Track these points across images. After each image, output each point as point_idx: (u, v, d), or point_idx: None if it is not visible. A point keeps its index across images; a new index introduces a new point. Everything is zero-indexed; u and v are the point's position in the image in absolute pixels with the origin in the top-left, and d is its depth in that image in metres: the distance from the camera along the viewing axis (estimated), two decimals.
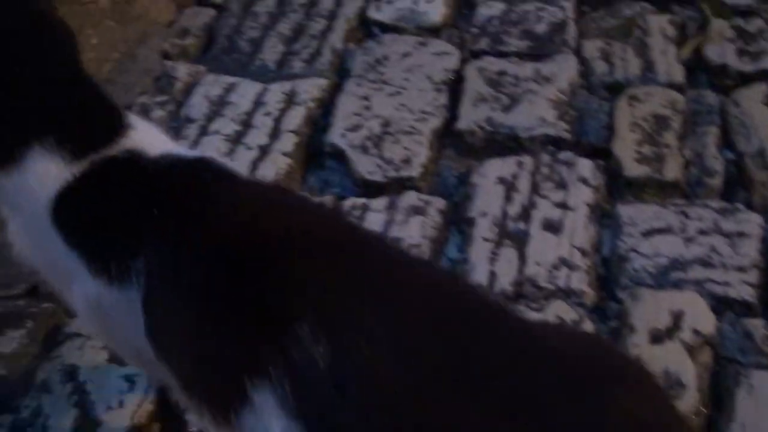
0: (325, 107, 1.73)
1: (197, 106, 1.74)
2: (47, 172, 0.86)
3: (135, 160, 0.86)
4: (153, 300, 0.80)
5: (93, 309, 0.87)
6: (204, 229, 0.80)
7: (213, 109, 1.73)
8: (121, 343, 0.92)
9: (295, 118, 1.70)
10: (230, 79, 1.80)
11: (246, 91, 1.76)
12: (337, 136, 1.65)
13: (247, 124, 1.70)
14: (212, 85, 1.79)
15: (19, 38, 0.88)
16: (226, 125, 1.69)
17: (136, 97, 1.78)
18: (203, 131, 1.69)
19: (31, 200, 0.87)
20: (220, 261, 0.76)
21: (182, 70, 1.83)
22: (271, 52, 1.88)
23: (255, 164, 1.60)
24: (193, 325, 0.76)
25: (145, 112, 1.74)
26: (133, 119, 0.94)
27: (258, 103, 1.74)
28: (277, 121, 1.69)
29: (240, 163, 1.60)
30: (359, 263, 0.74)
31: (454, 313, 0.70)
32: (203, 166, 0.89)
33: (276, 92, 1.76)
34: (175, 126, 1.71)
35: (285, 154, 1.63)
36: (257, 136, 1.66)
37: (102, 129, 0.89)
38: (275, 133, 1.67)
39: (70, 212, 0.86)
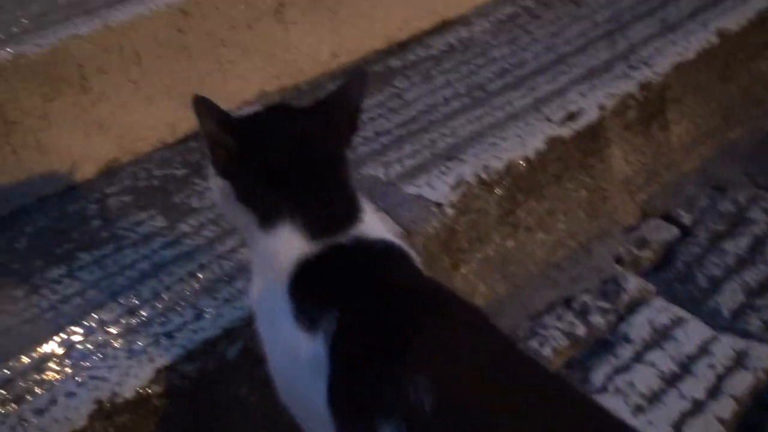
0: None
1: (638, 328, 1.67)
2: (291, 244, 1.04)
3: (354, 245, 1.05)
4: (334, 349, 0.97)
5: (287, 353, 1.04)
6: (377, 303, 0.99)
7: (654, 337, 1.65)
8: (297, 390, 1.05)
9: (740, 383, 1.55)
10: (680, 312, 1.70)
11: (694, 332, 1.65)
12: None
13: (686, 368, 1.58)
14: (660, 311, 1.70)
15: (298, 137, 1.10)
16: (663, 361, 1.59)
17: (580, 293, 1.75)
18: (637, 357, 1.61)
19: (275, 260, 1.05)
20: (381, 326, 0.96)
21: (632, 283, 1.77)
22: (730, 299, 1.75)
23: (683, 417, 1.48)
24: (354, 368, 0.96)
25: (583, 312, 1.70)
26: (367, 207, 1.11)
27: (703, 350, 1.62)
28: (720, 378, 1.55)
29: (667, 409, 1.49)
30: (492, 356, 0.94)
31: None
32: (397, 255, 1.09)
33: (725, 346, 1.62)
34: (609, 339, 1.65)
35: (720, 420, 1.48)
36: (693, 387, 1.54)
37: (340, 220, 1.07)
38: (714, 392, 1.53)
39: (299, 278, 1.04)
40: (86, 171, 1.71)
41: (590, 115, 1.78)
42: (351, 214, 1.08)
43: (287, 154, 1.08)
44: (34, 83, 1.59)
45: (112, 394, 1.21)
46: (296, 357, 1.04)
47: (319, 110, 1.12)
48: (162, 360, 1.26)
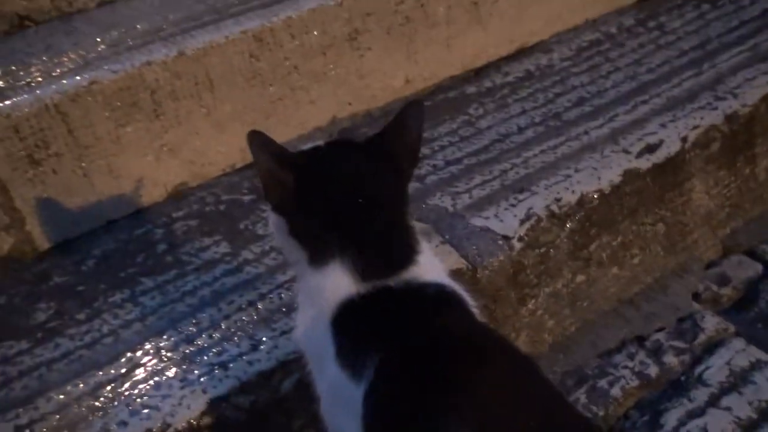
0: None
1: (715, 370, 1.58)
2: (339, 283, 1.02)
3: (403, 289, 1.01)
4: (370, 397, 0.95)
5: (332, 393, 1.03)
6: (418, 350, 0.95)
7: (731, 381, 1.56)
8: (341, 425, 1.04)
9: None
10: (760, 355, 1.61)
11: None
12: None
13: (765, 415, 1.49)
14: (739, 353, 1.62)
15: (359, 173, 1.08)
16: (741, 407, 1.51)
17: (653, 332, 1.68)
18: (713, 401, 1.52)
19: (321, 298, 1.03)
20: (419, 375, 0.93)
21: (710, 323, 1.69)
22: None
23: None
24: (388, 421, 0.93)
25: (656, 351, 1.63)
26: (425, 247, 1.07)
27: None
28: None
29: None
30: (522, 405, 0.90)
31: None
32: (448, 300, 1.04)
33: None
34: (682, 380, 1.57)
35: None
36: None
37: (391, 262, 1.03)
38: None
39: (343, 319, 1.01)
40: (155, 195, 1.73)
41: (670, 148, 1.70)
42: (405, 256, 1.05)
43: (343, 192, 1.05)
44: (108, 109, 1.61)
45: (163, 424, 1.21)
46: (339, 398, 1.01)
47: (376, 145, 1.09)
48: (215, 391, 1.25)
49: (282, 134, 1.86)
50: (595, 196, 1.60)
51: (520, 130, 1.83)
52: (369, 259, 1.03)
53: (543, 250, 1.54)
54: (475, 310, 1.06)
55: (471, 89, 2.05)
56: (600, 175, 1.62)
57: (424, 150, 1.79)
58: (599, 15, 2.32)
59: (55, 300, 1.50)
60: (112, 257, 1.59)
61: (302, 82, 1.86)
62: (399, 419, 0.92)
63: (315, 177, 1.06)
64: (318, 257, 1.05)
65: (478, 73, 2.12)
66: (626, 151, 1.68)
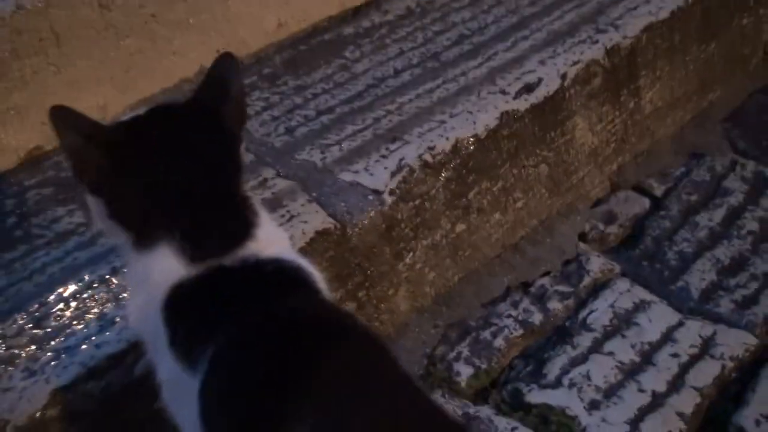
0: (743, 374, 1.45)
1: (599, 314, 1.56)
2: (166, 267, 0.93)
3: (240, 268, 0.93)
4: (206, 387, 0.86)
5: (170, 384, 0.95)
6: (252, 339, 0.87)
7: (615, 324, 1.53)
8: (183, 419, 0.95)
9: (705, 374, 1.44)
10: (644, 295, 1.59)
11: (658, 317, 1.54)
12: (749, 420, 1.36)
13: (647, 358, 1.47)
14: (623, 294, 1.59)
15: (188, 141, 0.97)
16: (624, 351, 1.48)
17: (539, 277, 1.64)
18: (595, 346, 1.50)
19: (151, 284, 0.94)
20: (253, 367, 0.85)
21: (595, 264, 1.66)
22: (699, 278, 1.63)
23: (641, 411, 1.37)
24: (230, 407, 0.85)
25: (540, 297, 1.59)
26: (264, 221, 0.98)
27: (667, 337, 1.51)
28: (684, 369, 1.45)
29: (624, 404, 1.38)
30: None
31: None
32: (290, 278, 0.96)
33: (692, 332, 1.51)
34: (566, 326, 1.54)
35: (679, 415, 1.38)
36: (654, 379, 1.43)
37: (224, 239, 0.94)
38: (676, 384, 1.42)
39: (174, 304, 0.92)
40: (5, 161, 1.60)
41: (549, 86, 1.64)
42: (239, 231, 0.95)
43: (162, 166, 0.95)
44: None
45: (2, 420, 1.11)
46: (178, 390, 0.93)
47: (196, 108, 0.99)
48: (59, 380, 1.16)
49: (145, 88, 1.74)
50: (471, 141, 1.53)
51: (397, 73, 1.75)
52: (197, 238, 0.94)
53: (417, 202, 1.47)
54: (322, 286, 0.99)
55: (348, 30, 1.94)
56: (476, 119, 1.55)
57: (296, 99, 1.70)
58: None
59: None
60: None
61: (163, 32, 1.73)
62: (232, 417, 0.84)
63: (130, 152, 0.95)
64: (142, 240, 0.95)
65: (357, 12, 2.02)
66: (503, 92, 1.61)
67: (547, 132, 1.66)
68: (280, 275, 0.95)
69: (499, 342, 1.52)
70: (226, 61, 0.99)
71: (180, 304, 0.93)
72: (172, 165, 0.95)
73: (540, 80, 1.65)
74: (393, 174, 1.45)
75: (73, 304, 1.28)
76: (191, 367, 0.90)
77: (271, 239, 0.98)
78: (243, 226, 0.96)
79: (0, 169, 1.60)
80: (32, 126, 1.62)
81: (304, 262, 0.99)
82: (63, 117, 0.93)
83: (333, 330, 0.89)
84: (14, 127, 1.60)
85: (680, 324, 1.53)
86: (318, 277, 0.99)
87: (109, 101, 1.70)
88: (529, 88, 1.62)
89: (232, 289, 0.92)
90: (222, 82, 0.99)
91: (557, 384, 1.44)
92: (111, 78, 1.69)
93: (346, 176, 1.45)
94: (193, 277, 0.93)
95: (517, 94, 1.61)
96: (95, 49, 1.64)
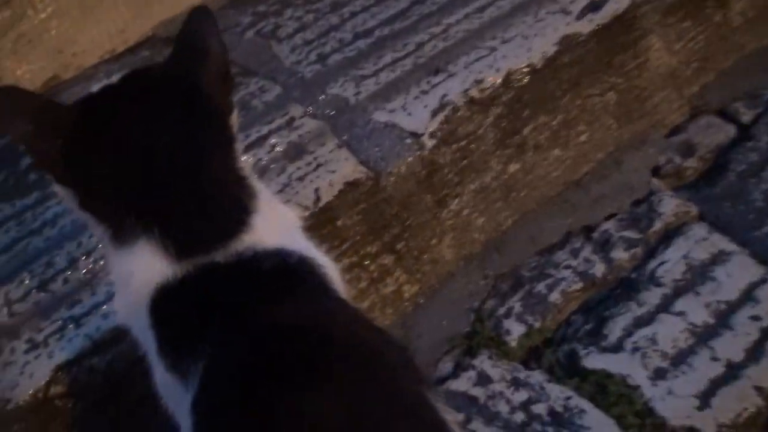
0: None
1: (670, 266, 1.38)
2: (148, 266, 0.79)
3: (234, 264, 0.79)
4: (198, 405, 0.75)
5: (163, 389, 0.84)
6: (253, 348, 0.74)
7: (688, 278, 1.36)
8: (179, 420, 0.83)
9: None
10: (723, 244, 1.41)
11: (739, 270, 1.36)
12: None
13: (723, 321, 1.31)
14: (699, 243, 1.41)
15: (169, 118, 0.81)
16: (697, 311, 1.32)
17: (603, 220, 1.46)
18: (664, 305, 1.34)
19: (134, 284, 0.81)
20: (243, 387, 0.72)
21: (668, 205, 1.47)
22: None
23: (713, 384, 1.22)
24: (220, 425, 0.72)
25: (603, 244, 1.42)
26: (264, 203, 0.82)
27: (748, 296, 1.33)
28: (765, 335, 1.27)
29: (694, 375, 1.23)
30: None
31: None
32: (292, 275, 0.81)
33: None
34: (634, 278, 1.38)
35: (757, 389, 1.22)
36: (730, 346, 1.27)
37: (214, 232, 0.80)
38: (755, 353, 1.26)
39: (161, 308, 0.80)
40: None
41: (619, 3, 1.42)
42: (232, 219, 0.81)
43: (132, 150, 0.81)
44: None
45: (2, 399, 1.03)
46: (171, 397, 0.83)
47: (171, 77, 0.84)
48: (63, 354, 1.07)
49: (167, 8, 1.59)
50: (525, 72, 1.34)
51: None
52: (180, 233, 0.80)
53: (463, 143, 1.31)
54: (334, 277, 0.84)
55: None
56: (531, 45, 1.35)
57: (332, 19, 1.52)
58: None
59: None
60: None
61: None
62: None
63: (92, 135, 0.81)
64: (119, 236, 0.82)
65: None
66: (565, 11, 1.40)
67: (616, 56, 1.45)
68: (281, 272, 0.81)
69: (555, 296, 1.37)
70: (200, 16, 0.83)
71: (167, 310, 0.80)
72: (143, 146, 0.81)
73: None
74: (434, 113, 1.28)
75: (82, 265, 1.18)
76: (182, 380, 0.78)
77: (273, 225, 0.83)
78: (236, 214, 0.82)
79: None
80: (47, 54, 1.50)
81: (312, 251, 0.85)
82: (7, 101, 0.78)
83: (337, 349, 0.75)
84: (27, 57, 1.47)
85: (764, 280, 1.35)
86: (328, 267, 0.84)
87: (129, 24, 1.55)
88: (594, 6, 1.41)
89: (225, 291, 0.79)
90: (196, 41, 0.82)
91: (618, 347, 1.29)
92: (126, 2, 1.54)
93: (381, 116, 1.29)
94: (180, 278, 0.79)
95: (581, 14, 1.40)
96: None
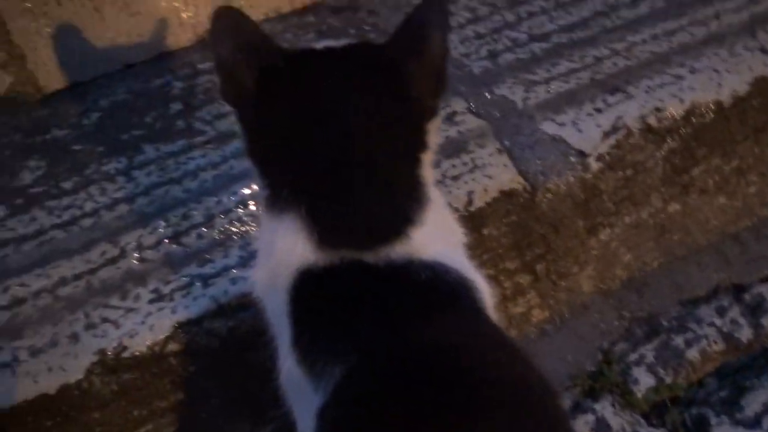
0: None
1: None
2: (295, 244, 0.75)
3: (385, 270, 0.73)
4: (327, 414, 0.70)
5: (288, 381, 0.78)
6: (397, 365, 0.69)
7: None
8: (299, 417, 0.80)
9: None
10: None
11: None
12: None
13: None
14: None
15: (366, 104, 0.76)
16: None
17: (757, 281, 1.36)
18: None
19: (278, 257, 0.77)
20: (384, 405, 0.66)
21: None
22: None
23: None
24: None
25: (754, 308, 1.31)
26: (431, 215, 0.76)
27: None
28: None
29: None
30: None
31: None
32: (447, 292, 0.74)
33: None
34: None
35: None
36: None
37: (370, 231, 0.75)
38: None
39: (302, 296, 0.76)
40: (182, 38, 1.47)
41: None
42: (392, 224, 0.75)
43: (314, 117, 0.76)
44: None
45: (119, 346, 1.01)
46: (296, 391, 0.78)
47: (382, 62, 0.78)
48: (187, 312, 1.03)
49: None
50: (711, 108, 1.24)
51: (634, 1, 1.44)
52: (327, 220, 0.75)
53: (629, 172, 1.22)
54: (487, 301, 0.78)
55: None
56: (722, 80, 1.25)
57: (507, 16, 1.45)
58: None
59: (47, 158, 1.29)
60: (119, 112, 1.36)
61: None
62: None
63: (288, 90, 0.76)
64: (273, 199, 0.77)
65: None
66: (764, 51, 1.29)
67: None
68: (434, 287, 0.75)
69: (692, 353, 1.27)
70: (431, 6, 0.77)
71: (308, 299, 0.76)
72: (329, 123, 0.76)
73: None
74: (606, 134, 1.19)
75: (218, 222, 1.14)
76: (314, 381, 0.73)
77: (435, 239, 0.77)
78: (395, 222, 0.76)
79: (174, 46, 1.47)
80: (214, 2, 1.46)
81: (471, 271, 0.78)
82: (230, 20, 0.75)
83: (490, 377, 0.68)
84: (195, 1, 1.45)
85: None
86: (484, 290, 0.78)
87: None
88: None
89: (373, 294, 0.73)
90: (419, 35, 0.76)
91: (755, 423, 1.19)
92: None
93: (549, 127, 1.21)
94: (323, 267, 0.74)
95: None
96: None
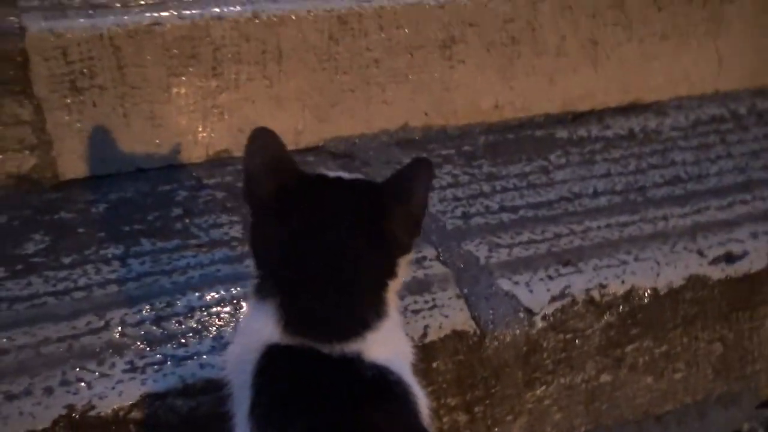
0: None
1: None
2: (265, 327, 0.88)
3: (337, 362, 0.86)
4: None
5: None
6: None
7: None
8: None
9: None
10: None
11: None
12: None
13: None
14: None
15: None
16: None
17: None
18: None
19: (250, 335, 0.90)
20: None
21: None
22: None
23: None
24: None
25: None
26: (386, 329, 0.90)
27: None
28: None
29: None
30: None
31: None
32: (388, 391, 0.86)
33: None
34: None
35: None
36: None
37: (327, 326, 0.88)
38: None
39: (264, 369, 0.87)
40: (194, 154, 1.63)
41: (754, 263, 1.49)
42: (349, 327, 0.89)
43: (308, 232, 0.92)
44: (165, 54, 1.52)
45: (88, 405, 1.10)
46: None
47: (371, 199, 0.94)
48: (155, 385, 1.14)
49: (344, 127, 1.73)
50: (648, 294, 1.40)
51: (596, 194, 1.64)
52: (298, 314, 0.89)
53: (569, 336, 1.36)
54: (423, 409, 0.90)
55: (562, 133, 1.86)
56: (661, 271, 1.42)
57: (484, 186, 1.63)
58: (732, 89, 2.08)
59: (52, 235, 1.42)
60: (125, 207, 1.51)
61: (380, 79, 1.72)
62: None
63: (292, 203, 0.93)
64: (261, 287, 0.93)
65: (577, 118, 1.93)
66: (701, 253, 1.47)
67: (735, 311, 1.50)
68: (378, 384, 0.87)
69: None
70: (421, 167, 0.95)
71: (269, 374, 0.88)
72: (317, 235, 0.92)
73: (745, 253, 1.50)
74: (554, 298, 1.35)
75: (198, 315, 1.26)
76: None
77: (386, 347, 0.90)
78: (357, 322, 0.90)
79: (187, 161, 1.63)
80: (228, 128, 1.65)
81: (412, 381, 0.91)
82: (263, 140, 0.91)
83: None
84: (213, 125, 1.63)
85: None
86: (422, 400, 0.90)
87: (307, 128, 1.70)
88: (729, 258, 1.47)
89: (323, 380, 0.86)
90: (407, 186, 0.94)
91: None
92: (315, 106, 1.70)
93: (505, 284, 1.36)
94: (284, 346, 0.88)
95: (715, 261, 1.47)
96: (311, 75, 1.65)
